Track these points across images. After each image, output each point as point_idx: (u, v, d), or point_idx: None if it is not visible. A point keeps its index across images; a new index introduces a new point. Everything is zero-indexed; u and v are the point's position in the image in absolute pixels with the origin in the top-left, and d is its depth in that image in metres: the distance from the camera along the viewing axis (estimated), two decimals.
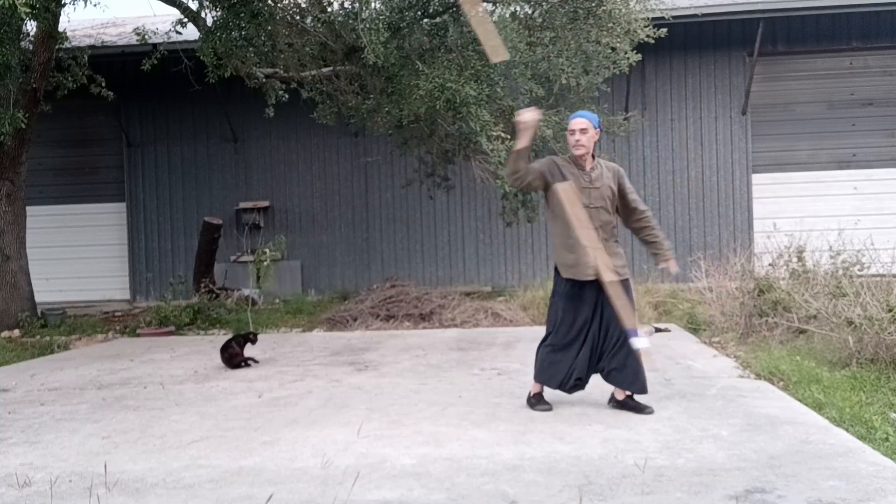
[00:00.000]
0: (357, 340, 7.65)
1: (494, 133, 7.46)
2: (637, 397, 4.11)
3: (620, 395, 4.13)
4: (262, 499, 2.84)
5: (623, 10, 8.03)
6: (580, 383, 4.13)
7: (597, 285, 4.02)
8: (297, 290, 12.00)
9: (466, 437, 3.65)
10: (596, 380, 4.20)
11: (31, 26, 9.27)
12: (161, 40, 10.28)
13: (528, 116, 3.86)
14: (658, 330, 7.42)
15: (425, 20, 7.99)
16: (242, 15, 7.55)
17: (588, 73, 8.47)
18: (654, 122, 11.83)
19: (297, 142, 12.43)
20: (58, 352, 7.79)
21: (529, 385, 4.37)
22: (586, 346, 4.07)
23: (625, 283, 4.02)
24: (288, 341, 7.76)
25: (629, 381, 4.04)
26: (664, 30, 8.74)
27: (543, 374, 4.15)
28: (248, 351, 6.28)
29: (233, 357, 6.08)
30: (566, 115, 8.69)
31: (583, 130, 4.04)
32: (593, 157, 4.13)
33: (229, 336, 6.72)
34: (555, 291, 4.21)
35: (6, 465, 3.43)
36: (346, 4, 8.37)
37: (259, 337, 6.58)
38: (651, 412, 4.01)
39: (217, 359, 6.27)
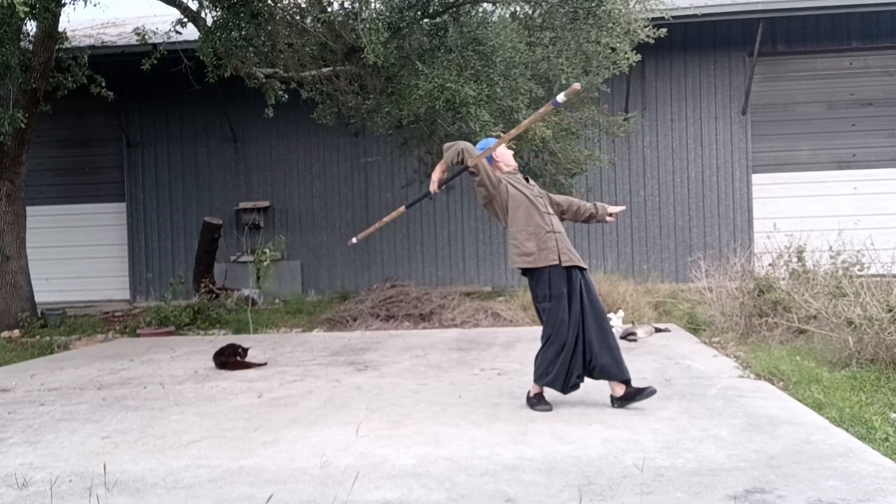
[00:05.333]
0: (357, 340, 7.65)
1: (494, 133, 7.46)
2: (634, 382, 4.18)
3: (620, 391, 4.14)
4: (262, 499, 2.84)
5: (623, 11, 8.04)
6: (579, 382, 4.17)
7: (571, 275, 4.15)
8: (297, 290, 12.00)
9: (466, 437, 3.65)
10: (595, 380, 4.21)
11: (30, 26, 9.27)
12: (161, 40, 10.28)
13: None
14: (658, 330, 7.42)
15: (425, 20, 7.99)
16: (242, 15, 7.54)
17: (588, 73, 8.48)
18: (654, 122, 11.83)
19: (297, 142, 12.43)
20: (58, 352, 7.80)
21: (529, 385, 4.37)
22: (578, 343, 4.10)
23: None
24: (288, 341, 7.76)
25: (617, 370, 4.10)
26: (664, 30, 8.75)
27: (548, 376, 4.14)
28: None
29: (227, 364, 6.03)
30: (566, 114, 8.70)
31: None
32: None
33: (227, 341, 6.68)
34: (545, 295, 4.18)
35: (6, 465, 3.43)
36: (346, 4, 8.37)
37: (259, 338, 6.57)
38: (654, 391, 4.11)
39: None
